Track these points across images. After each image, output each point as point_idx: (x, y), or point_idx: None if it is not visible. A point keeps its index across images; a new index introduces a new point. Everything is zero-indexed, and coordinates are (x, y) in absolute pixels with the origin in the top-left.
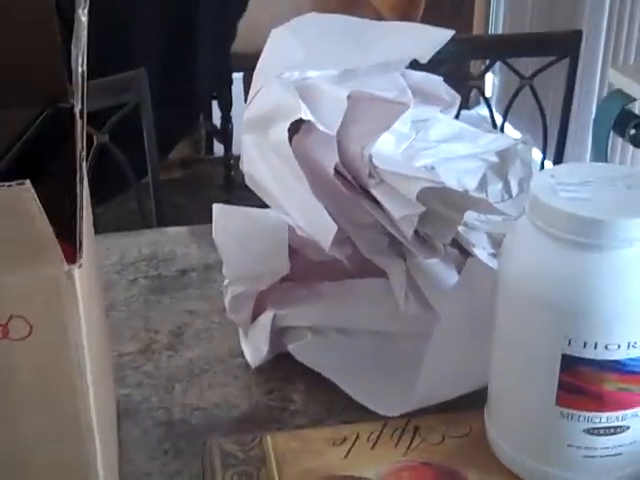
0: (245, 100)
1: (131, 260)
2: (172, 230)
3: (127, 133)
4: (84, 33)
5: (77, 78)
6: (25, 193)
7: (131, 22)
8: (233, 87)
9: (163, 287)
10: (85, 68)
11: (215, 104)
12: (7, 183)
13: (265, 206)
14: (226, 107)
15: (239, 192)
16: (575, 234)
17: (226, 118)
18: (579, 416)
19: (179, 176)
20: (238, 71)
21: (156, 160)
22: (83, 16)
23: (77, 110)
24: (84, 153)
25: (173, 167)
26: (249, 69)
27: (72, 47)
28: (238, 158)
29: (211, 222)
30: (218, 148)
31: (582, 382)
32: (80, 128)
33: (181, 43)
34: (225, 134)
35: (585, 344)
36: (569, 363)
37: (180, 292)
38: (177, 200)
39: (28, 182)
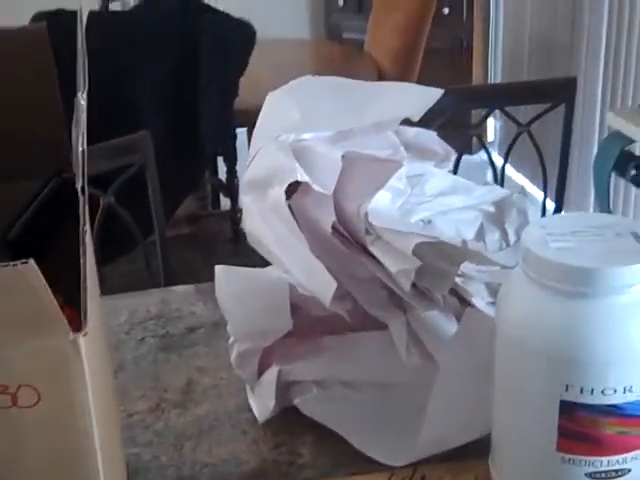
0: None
1: (139, 320)
2: (179, 289)
3: (132, 193)
4: (83, 116)
5: (78, 157)
6: (30, 271)
7: (133, 79)
8: (237, 142)
9: (171, 345)
10: (85, 148)
11: (220, 159)
12: (12, 262)
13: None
14: (231, 162)
15: (248, 245)
16: (566, 283)
17: (231, 173)
18: (580, 461)
19: (187, 232)
20: (241, 126)
21: (162, 218)
22: (82, 100)
23: (78, 187)
24: (86, 227)
25: (181, 223)
26: (252, 124)
27: (72, 128)
28: None
29: None
30: (224, 202)
31: (581, 427)
32: (82, 204)
33: (184, 101)
34: (231, 188)
35: (582, 390)
36: (568, 409)
37: (188, 349)
38: (186, 255)
39: (32, 261)
